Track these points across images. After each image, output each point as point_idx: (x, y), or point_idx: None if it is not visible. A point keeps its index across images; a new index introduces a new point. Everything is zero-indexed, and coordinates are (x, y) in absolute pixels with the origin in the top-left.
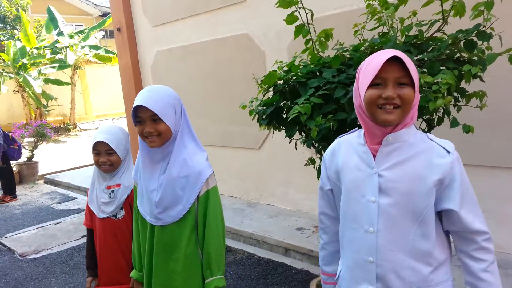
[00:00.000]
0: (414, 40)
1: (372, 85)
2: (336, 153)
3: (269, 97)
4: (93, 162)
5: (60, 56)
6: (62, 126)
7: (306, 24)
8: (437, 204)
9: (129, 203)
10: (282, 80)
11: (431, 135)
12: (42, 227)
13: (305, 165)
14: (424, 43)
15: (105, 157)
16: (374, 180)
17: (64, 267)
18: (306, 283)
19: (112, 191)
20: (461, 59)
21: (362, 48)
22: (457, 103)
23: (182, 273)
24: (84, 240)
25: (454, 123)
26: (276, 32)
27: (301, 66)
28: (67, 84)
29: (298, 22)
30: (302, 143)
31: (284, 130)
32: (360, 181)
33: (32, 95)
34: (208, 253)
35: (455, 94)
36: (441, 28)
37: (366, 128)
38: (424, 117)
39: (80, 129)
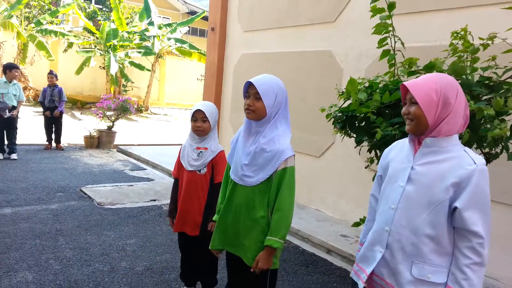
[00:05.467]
0: (487, 81)
1: (404, 103)
2: (392, 149)
3: (344, 107)
4: (161, 143)
5: (146, 43)
6: (135, 106)
7: (392, 50)
8: (451, 203)
9: (212, 164)
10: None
11: (468, 149)
12: (116, 185)
13: (365, 167)
14: (496, 85)
15: (200, 123)
16: (407, 171)
17: (135, 220)
18: (344, 278)
19: (200, 151)
20: None
21: None
22: None
23: (253, 228)
24: (153, 203)
25: (511, 156)
26: (357, 54)
27: (380, 85)
28: (148, 70)
29: (386, 47)
30: (368, 150)
31: (354, 137)
32: (398, 171)
33: (113, 75)
34: (272, 218)
35: None
36: None
37: None
38: (482, 149)
39: (151, 112)
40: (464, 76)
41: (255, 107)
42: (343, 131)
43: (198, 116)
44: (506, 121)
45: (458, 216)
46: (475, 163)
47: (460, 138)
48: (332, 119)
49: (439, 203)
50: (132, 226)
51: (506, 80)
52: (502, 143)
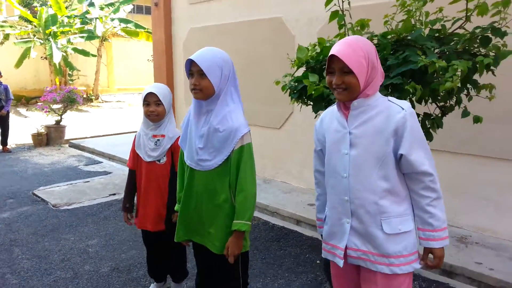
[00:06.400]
0: (437, 34)
1: (328, 72)
2: (323, 121)
3: (299, 76)
4: (116, 132)
5: (89, 27)
6: (84, 96)
7: (341, 11)
8: (395, 152)
9: (172, 151)
10: (314, 60)
11: (392, 98)
12: (71, 184)
13: None
14: (445, 37)
15: (154, 107)
16: (346, 138)
17: (95, 218)
18: (315, 247)
19: (158, 140)
20: (478, 53)
21: (389, 37)
22: (469, 93)
23: (217, 213)
24: (112, 197)
25: (465, 114)
26: (308, 19)
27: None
28: (93, 55)
29: (334, 8)
30: None
31: (311, 106)
32: (338, 139)
33: (56, 64)
34: (236, 201)
35: (468, 86)
36: (463, 25)
37: None
38: (438, 103)
39: (102, 100)
40: (413, 32)
41: (202, 86)
42: (300, 101)
43: (150, 100)
44: (457, 74)
45: (405, 162)
46: (403, 109)
47: (413, 94)
48: (288, 90)
49: (385, 157)
50: (92, 225)
51: (455, 32)
52: (456, 96)
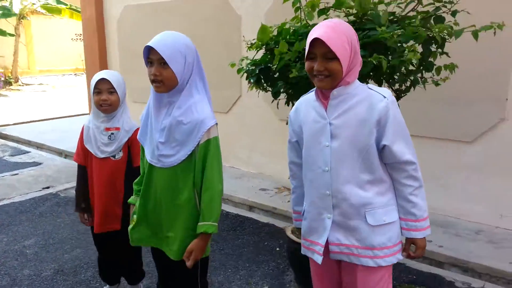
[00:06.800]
0: (391, 17)
1: (308, 57)
2: (299, 111)
3: (256, 59)
4: (42, 118)
5: (4, 3)
6: (3, 79)
7: None
8: (378, 142)
9: (129, 145)
10: (274, 41)
11: (371, 85)
12: None
13: (286, 123)
14: (400, 20)
15: (106, 95)
16: (327, 129)
17: (29, 215)
18: (273, 234)
19: (112, 133)
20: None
21: (348, 15)
22: (423, 76)
23: (178, 214)
24: (46, 191)
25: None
26: None
27: (291, 30)
28: (11, 35)
29: None
30: (286, 102)
31: (270, 91)
32: (317, 131)
33: None
34: (202, 200)
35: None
36: (415, 7)
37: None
38: (393, 87)
39: (22, 83)
40: (372, 11)
41: (163, 77)
42: (258, 85)
43: (102, 88)
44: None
45: (388, 152)
46: (384, 97)
47: (377, 68)
48: (245, 74)
49: (368, 148)
50: (27, 223)
51: (408, 15)
52: (411, 77)
